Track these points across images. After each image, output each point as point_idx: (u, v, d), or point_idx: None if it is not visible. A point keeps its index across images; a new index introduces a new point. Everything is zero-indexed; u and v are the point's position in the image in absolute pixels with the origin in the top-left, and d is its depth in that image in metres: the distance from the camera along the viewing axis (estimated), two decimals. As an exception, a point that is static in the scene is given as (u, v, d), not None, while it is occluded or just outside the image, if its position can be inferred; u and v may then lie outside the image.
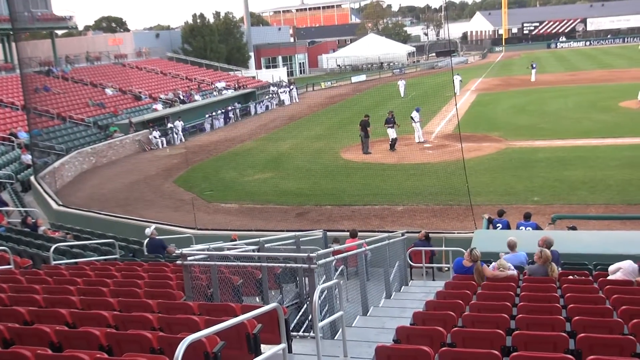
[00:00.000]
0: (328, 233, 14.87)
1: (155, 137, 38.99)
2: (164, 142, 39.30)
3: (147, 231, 15.31)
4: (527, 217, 14.95)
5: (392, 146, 30.58)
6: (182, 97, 47.71)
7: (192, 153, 34.84)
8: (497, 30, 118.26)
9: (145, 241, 15.26)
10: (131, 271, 11.04)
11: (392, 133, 30.59)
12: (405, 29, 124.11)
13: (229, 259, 9.38)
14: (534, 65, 57.90)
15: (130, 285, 9.31)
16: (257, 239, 10.76)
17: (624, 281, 8.90)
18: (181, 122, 40.93)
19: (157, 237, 15.25)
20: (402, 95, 50.55)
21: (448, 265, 13.87)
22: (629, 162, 24.19)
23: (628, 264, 9.18)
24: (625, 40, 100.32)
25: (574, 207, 19.31)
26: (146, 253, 14.88)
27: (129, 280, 9.87)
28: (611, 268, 9.47)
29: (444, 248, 14.85)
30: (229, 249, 10.60)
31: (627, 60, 69.15)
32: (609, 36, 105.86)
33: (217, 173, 29.82)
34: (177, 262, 9.03)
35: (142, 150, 38.19)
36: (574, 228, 14.88)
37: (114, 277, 10.32)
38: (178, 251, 9.17)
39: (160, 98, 47.01)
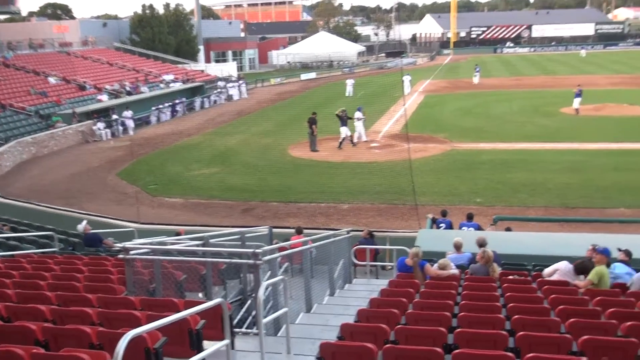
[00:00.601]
0: (274, 230, 14.82)
1: (99, 129, 38.13)
2: (109, 133, 38.47)
3: (79, 227, 14.96)
4: (470, 217, 15.24)
5: (340, 144, 30.64)
6: (128, 89, 46.80)
7: (137, 146, 34.23)
8: (446, 34, 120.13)
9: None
10: (70, 265, 10.76)
11: (344, 131, 30.68)
12: (356, 28, 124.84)
13: (172, 254, 9.25)
14: (478, 69, 59.09)
15: (69, 279, 9.07)
16: (202, 234, 10.64)
17: (561, 282, 9.16)
18: (130, 111, 40.07)
19: (91, 231, 14.90)
20: (349, 94, 50.70)
21: (392, 263, 14.00)
22: (568, 166, 24.94)
23: (564, 264, 9.44)
24: (568, 48, 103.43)
25: (514, 209, 19.79)
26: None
27: (68, 274, 9.61)
28: (546, 271, 9.72)
29: (388, 247, 14.98)
30: (172, 243, 10.46)
31: (568, 68, 71.24)
32: (552, 43, 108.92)
33: (163, 167, 29.38)
34: (119, 256, 8.85)
35: (85, 142, 37.30)
36: (509, 229, 15.26)
37: (52, 271, 10.04)
38: (119, 245, 8.98)
39: (106, 89, 46.02)
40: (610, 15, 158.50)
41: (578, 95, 37.30)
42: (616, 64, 72.28)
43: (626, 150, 27.52)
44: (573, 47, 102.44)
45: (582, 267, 9.09)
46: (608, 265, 9.14)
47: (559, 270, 9.43)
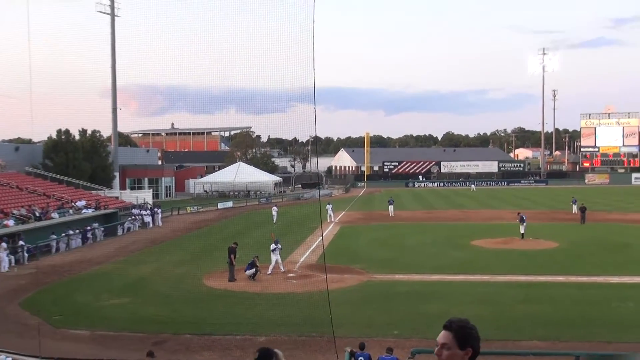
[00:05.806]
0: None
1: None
2: (12, 260, 36.52)
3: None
4: (389, 350, 15.10)
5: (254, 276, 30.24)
6: (37, 214, 45.22)
7: (43, 274, 32.57)
8: (360, 167, 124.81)
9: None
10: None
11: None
12: (273, 159, 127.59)
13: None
14: (391, 201, 60.84)
15: None
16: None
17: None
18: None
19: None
20: (275, 221, 53.02)
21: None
22: (480, 298, 25.44)
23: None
24: (476, 183, 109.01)
25: (431, 342, 19.63)
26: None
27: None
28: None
29: (306, 382, 14.52)
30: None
31: (476, 202, 74.65)
32: (460, 179, 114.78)
33: (69, 296, 27.94)
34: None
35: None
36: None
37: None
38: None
39: (13, 213, 44.28)
40: (511, 154, 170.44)
41: (521, 220, 41.11)
42: (519, 200, 76.35)
43: (534, 282, 28.51)
44: (479, 183, 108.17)
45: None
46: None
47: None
